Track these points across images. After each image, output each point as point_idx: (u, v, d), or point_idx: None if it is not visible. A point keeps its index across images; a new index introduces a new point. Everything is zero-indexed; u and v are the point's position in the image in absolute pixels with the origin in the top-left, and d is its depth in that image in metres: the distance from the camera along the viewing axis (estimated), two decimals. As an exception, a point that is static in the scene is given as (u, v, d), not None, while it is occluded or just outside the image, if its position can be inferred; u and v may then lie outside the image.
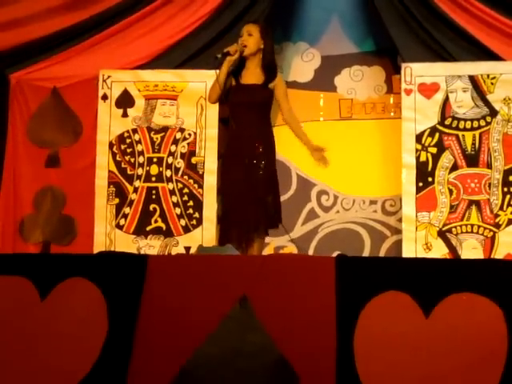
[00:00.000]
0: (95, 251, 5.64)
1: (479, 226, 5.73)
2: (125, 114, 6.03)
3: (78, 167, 6.10)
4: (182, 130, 6.01)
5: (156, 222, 5.97)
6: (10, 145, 6.13)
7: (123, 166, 6.02)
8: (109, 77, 6.04)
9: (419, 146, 5.83)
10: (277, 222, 5.08)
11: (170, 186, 5.98)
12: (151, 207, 5.98)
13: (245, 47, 5.02)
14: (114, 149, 6.02)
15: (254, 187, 4.93)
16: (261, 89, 5.05)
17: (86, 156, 6.08)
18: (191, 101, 6.02)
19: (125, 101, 6.05)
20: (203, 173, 5.98)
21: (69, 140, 6.13)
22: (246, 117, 5.02)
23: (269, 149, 5.08)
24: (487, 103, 5.81)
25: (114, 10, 6.15)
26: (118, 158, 6.02)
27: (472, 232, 5.73)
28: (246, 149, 4.98)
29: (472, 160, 5.80)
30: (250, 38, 5.04)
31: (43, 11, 6.15)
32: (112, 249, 5.85)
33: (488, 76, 5.81)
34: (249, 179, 4.94)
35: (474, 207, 5.75)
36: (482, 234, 5.72)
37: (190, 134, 6.03)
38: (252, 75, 5.07)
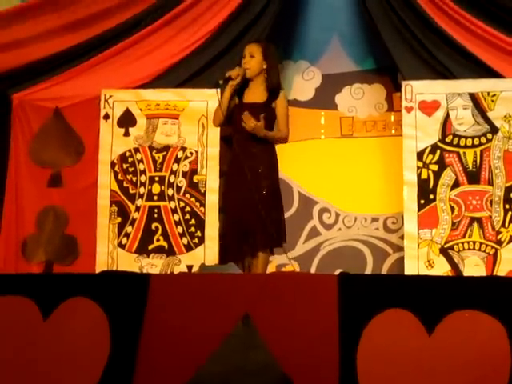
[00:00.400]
0: (97, 270, 5.64)
1: (481, 243, 5.73)
2: (126, 134, 6.04)
3: (80, 187, 6.10)
4: (183, 149, 6.03)
5: (158, 240, 5.97)
6: (12, 165, 6.14)
7: (125, 185, 6.02)
8: (110, 96, 6.06)
9: (420, 164, 5.83)
10: (281, 240, 5.07)
11: (172, 204, 5.99)
12: (153, 226, 5.98)
13: (247, 69, 5.02)
14: (116, 168, 6.04)
15: (256, 206, 4.91)
16: (263, 107, 5.04)
17: (88, 175, 6.09)
18: (193, 119, 6.04)
19: (126, 120, 6.07)
20: (205, 191, 5.99)
21: (71, 160, 6.14)
22: (249, 135, 5.01)
23: (271, 167, 5.07)
24: (488, 120, 5.83)
25: (115, 31, 6.17)
26: (119, 177, 6.03)
27: (474, 249, 5.73)
28: (248, 168, 4.97)
29: (473, 177, 5.80)
30: (252, 60, 5.04)
31: (45, 32, 6.18)
32: (114, 268, 5.84)
33: (488, 93, 5.82)
34: (251, 198, 4.92)
35: (475, 224, 5.75)
36: (484, 251, 5.71)
37: (191, 153, 6.04)
38: (255, 94, 5.07)
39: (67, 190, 6.12)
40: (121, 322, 3.81)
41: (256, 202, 4.90)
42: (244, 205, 4.94)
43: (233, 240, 4.99)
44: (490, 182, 5.77)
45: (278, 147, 5.74)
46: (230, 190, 5.12)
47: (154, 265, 5.92)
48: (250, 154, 4.99)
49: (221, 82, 4.97)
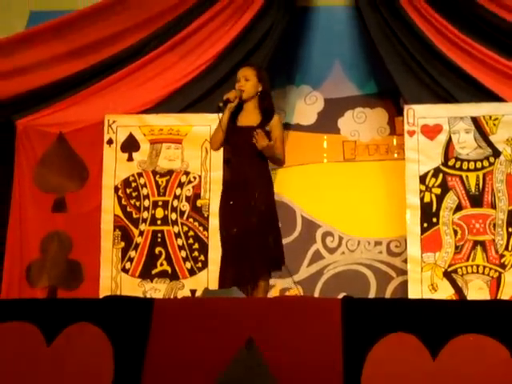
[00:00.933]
0: (101, 295, 5.63)
1: (485, 267, 5.72)
2: (130, 158, 6.07)
3: (84, 211, 6.11)
4: (186, 173, 6.05)
5: (162, 265, 5.97)
6: (16, 190, 6.16)
7: (129, 209, 6.04)
8: (114, 121, 6.09)
9: (423, 187, 5.84)
10: (279, 264, 5.06)
11: (176, 229, 5.99)
12: (157, 250, 5.98)
13: (243, 92, 5.00)
14: (120, 193, 6.05)
15: (253, 230, 4.87)
16: (255, 130, 4.96)
17: (91, 200, 6.10)
18: (196, 144, 6.07)
19: (130, 145, 6.09)
20: (208, 215, 6.00)
21: (75, 185, 6.16)
22: (243, 158, 4.97)
23: (267, 190, 5.01)
24: (490, 144, 5.84)
25: (118, 57, 6.22)
26: (123, 202, 6.04)
27: (478, 272, 5.72)
28: (243, 191, 4.94)
29: (476, 200, 5.81)
30: (248, 83, 5.02)
31: (48, 58, 6.23)
32: (118, 293, 5.84)
33: (490, 117, 5.85)
34: (248, 223, 4.89)
35: (479, 247, 5.75)
36: (488, 275, 5.71)
37: (194, 177, 6.06)
38: (249, 117, 5.04)
39: (71, 215, 6.13)
40: (124, 347, 3.81)
41: (253, 227, 4.88)
42: (241, 229, 4.91)
43: (232, 266, 4.94)
44: (493, 206, 5.77)
45: (282, 171, 5.78)
46: (226, 215, 5.07)
47: (157, 289, 5.91)
48: (246, 177, 4.96)
49: (221, 104, 4.95)
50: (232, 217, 4.96)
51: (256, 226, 4.87)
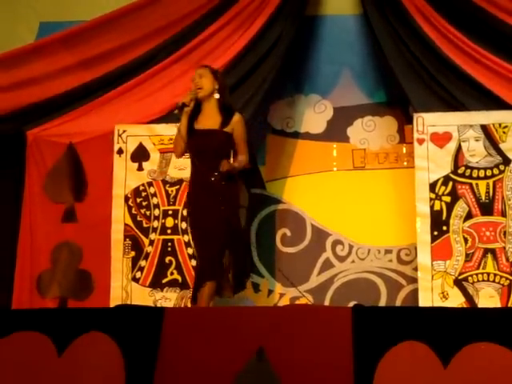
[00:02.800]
0: (112, 305, 5.64)
1: (495, 275, 5.71)
2: (140, 168, 6.08)
3: (94, 221, 6.12)
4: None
5: (172, 274, 5.97)
6: (26, 200, 6.18)
7: (139, 219, 6.05)
8: (124, 131, 6.11)
9: (433, 195, 5.84)
10: (244, 279, 5.02)
11: (186, 238, 6.00)
12: (167, 259, 5.99)
13: (200, 89, 4.87)
14: (130, 202, 6.06)
15: (216, 235, 4.79)
16: (217, 133, 4.89)
17: (101, 210, 6.11)
18: None
19: (140, 155, 6.11)
20: (218, 224, 6.00)
21: (84, 195, 6.17)
22: (206, 163, 4.86)
23: (231, 194, 4.92)
24: (500, 152, 5.83)
25: (128, 67, 6.24)
26: (133, 211, 6.05)
27: (488, 280, 5.70)
28: (207, 196, 4.83)
29: (486, 208, 5.80)
30: (204, 79, 4.90)
31: (58, 69, 6.25)
32: (128, 302, 5.84)
33: (500, 125, 5.84)
34: (211, 227, 4.80)
35: (489, 255, 5.73)
36: (499, 283, 5.69)
37: (204, 186, 6.06)
38: (208, 119, 4.92)
39: (81, 225, 6.15)
40: (135, 356, 3.81)
41: (216, 232, 4.78)
42: (205, 233, 4.82)
43: (203, 277, 4.87)
44: (504, 214, 5.76)
45: (291, 180, 5.78)
46: (192, 218, 4.98)
47: (167, 298, 5.91)
48: (210, 182, 4.84)
49: (176, 111, 4.82)
50: (196, 220, 4.88)
51: (219, 232, 4.78)
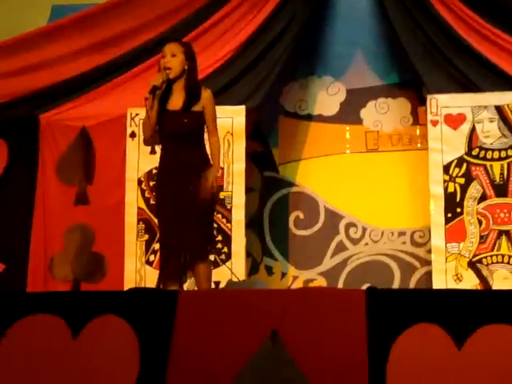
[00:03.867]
0: (126, 288, 5.66)
1: (510, 256, 5.69)
2: (153, 151, 6.07)
3: (107, 204, 6.14)
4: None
5: (185, 257, 5.98)
6: (40, 184, 6.21)
7: (152, 202, 6.05)
8: (137, 115, 6.10)
9: (447, 177, 5.82)
10: (211, 249, 4.92)
11: (200, 220, 5.99)
12: (180, 243, 5.99)
13: (169, 69, 4.73)
14: (143, 185, 6.07)
15: (189, 217, 4.67)
16: (185, 114, 4.74)
17: (114, 193, 6.13)
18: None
19: (152, 139, 6.09)
20: (231, 207, 6.00)
21: (93, 178, 6.19)
22: (176, 144, 4.74)
23: (202, 175, 4.74)
24: (514, 133, 5.81)
25: (140, 50, 6.24)
26: (146, 195, 6.06)
27: (503, 262, 5.69)
28: (178, 178, 4.72)
29: (500, 190, 5.77)
30: (174, 59, 4.74)
31: (71, 52, 6.26)
32: (142, 285, 5.86)
33: (515, 106, 5.81)
34: (183, 207, 4.68)
35: (503, 237, 5.72)
36: (513, 264, 5.69)
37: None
38: (178, 100, 4.77)
39: (94, 208, 6.17)
40: (150, 338, 3.82)
41: (189, 214, 4.67)
42: (176, 215, 4.70)
43: (168, 252, 4.75)
44: (518, 195, 5.74)
45: (304, 162, 5.76)
46: (162, 201, 4.83)
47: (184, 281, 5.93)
48: (180, 164, 4.73)
49: (148, 95, 4.64)
50: (168, 205, 4.76)
51: (192, 214, 4.68)
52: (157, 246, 5.99)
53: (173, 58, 4.75)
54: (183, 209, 4.69)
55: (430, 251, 5.91)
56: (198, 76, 4.92)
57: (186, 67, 4.75)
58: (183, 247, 4.69)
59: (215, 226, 5.96)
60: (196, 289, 4.89)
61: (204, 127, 4.81)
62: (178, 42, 4.89)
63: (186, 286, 5.24)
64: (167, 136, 4.78)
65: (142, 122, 4.95)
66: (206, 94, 4.80)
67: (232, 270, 5.81)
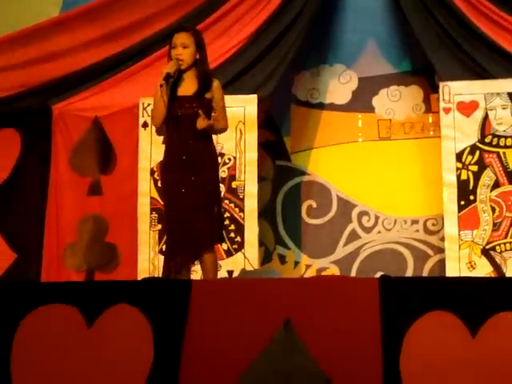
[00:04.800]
0: (139, 277, 5.68)
1: (523, 244, 5.69)
2: (165, 141, 6.07)
3: (120, 194, 6.16)
4: (221, 155, 6.04)
5: (198, 246, 5.98)
6: (53, 174, 6.23)
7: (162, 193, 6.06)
8: (149, 105, 6.10)
9: (460, 165, 5.80)
10: (222, 238, 4.89)
11: (212, 209, 6.00)
12: (193, 232, 6.00)
13: (181, 61, 4.72)
14: (156, 175, 6.08)
15: (197, 206, 4.66)
16: (195, 100, 4.73)
17: (127, 183, 6.14)
18: (230, 125, 5.94)
19: (165, 128, 6.10)
20: (244, 197, 6.01)
21: (110, 168, 6.20)
22: (184, 130, 4.73)
23: (211, 164, 4.79)
24: (528, 120, 5.79)
25: (152, 40, 6.23)
26: (159, 185, 6.07)
27: (516, 249, 5.69)
28: (185, 166, 4.70)
29: (514, 177, 5.77)
30: (185, 51, 4.74)
31: (83, 43, 6.27)
32: (156, 275, 5.88)
33: (528, 93, 5.79)
34: (191, 197, 4.68)
35: (517, 225, 5.71)
36: (527, 252, 5.67)
37: (229, 159, 6.06)
38: (188, 86, 4.77)
39: (107, 198, 6.19)
40: (163, 327, 3.83)
41: (197, 203, 4.66)
42: (185, 206, 4.68)
43: (176, 245, 4.73)
44: (531, 182, 5.72)
45: (316, 151, 5.75)
46: (169, 189, 4.82)
47: (194, 271, 5.92)
48: (187, 151, 4.72)
49: (162, 82, 4.64)
50: (176, 193, 4.74)
51: (200, 202, 4.68)
52: (170, 235, 6.00)
53: (184, 50, 4.75)
54: (190, 197, 4.68)
55: (443, 239, 5.91)
56: (209, 64, 4.93)
57: (197, 57, 4.76)
58: (190, 237, 4.68)
59: (228, 215, 5.98)
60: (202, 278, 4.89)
61: (208, 114, 4.77)
62: (189, 32, 4.87)
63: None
64: (175, 120, 4.76)
65: (152, 109, 4.93)
66: (215, 83, 4.81)
67: (247, 257, 5.82)
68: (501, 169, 5.79)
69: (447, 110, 5.87)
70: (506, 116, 5.81)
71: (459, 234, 5.73)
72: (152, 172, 6.08)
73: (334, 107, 6.44)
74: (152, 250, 6.01)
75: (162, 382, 3.75)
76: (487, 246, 5.71)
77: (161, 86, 4.66)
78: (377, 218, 6.33)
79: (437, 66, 5.94)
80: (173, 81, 4.71)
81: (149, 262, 6.00)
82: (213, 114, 4.73)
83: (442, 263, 5.93)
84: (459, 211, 5.76)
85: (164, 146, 5.87)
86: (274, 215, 6.46)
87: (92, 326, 3.88)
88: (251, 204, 5.97)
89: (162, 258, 5.98)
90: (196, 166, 4.70)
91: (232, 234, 5.96)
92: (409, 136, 6.36)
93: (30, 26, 6.33)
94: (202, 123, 4.65)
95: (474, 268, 5.69)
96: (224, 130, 4.93)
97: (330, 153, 6.42)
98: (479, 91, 5.84)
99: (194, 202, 4.68)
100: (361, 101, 6.40)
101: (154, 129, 6.01)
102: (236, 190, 6.02)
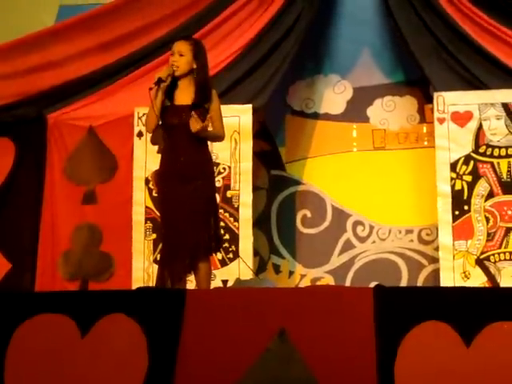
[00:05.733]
0: (134, 287, 5.67)
1: (517, 254, 5.70)
2: (160, 151, 6.08)
3: (115, 203, 6.15)
4: (216, 165, 6.03)
5: (193, 256, 5.98)
6: (48, 183, 6.22)
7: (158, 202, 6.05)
8: (144, 114, 6.07)
9: (454, 175, 5.82)
10: (217, 247, 4.84)
11: (206, 219, 6.00)
12: (188, 241, 5.99)
13: (176, 68, 4.70)
14: (150, 185, 6.08)
15: (193, 216, 4.65)
16: (191, 109, 4.70)
17: (122, 192, 6.14)
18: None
19: (159, 137, 6.11)
20: (238, 206, 6.01)
21: (105, 177, 6.20)
22: (180, 139, 4.71)
23: (206, 173, 4.78)
24: (521, 130, 5.81)
25: (147, 50, 6.24)
26: (154, 194, 6.07)
27: (510, 259, 5.69)
28: (182, 175, 4.69)
29: (508, 187, 5.77)
30: (181, 59, 4.73)
31: (78, 52, 6.27)
32: (150, 284, 5.87)
33: (521, 103, 5.80)
34: (188, 208, 4.66)
35: (511, 234, 5.71)
36: (521, 262, 5.68)
37: (224, 168, 6.07)
38: (184, 95, 4.75)
39: (102, 207, 6.18)
40: (158, 337, 3.83)
41: (193, 213, 4.65)
42: (181, 216, 4.67)
43: (172, 254, 4.72)
44: (525, 192, 5.73)
45: (311, 160, 5.75)
46: (165, 198, 4.81)
47: (189, 280, 5.92)
48: (183, 160, 4.70)
49: (152, 85, 4.65)
50: (171, 202, 4.73)
51: (196, 212, 4.66)
52: (164, 244, 6.00)
53: (180, 58, 4.74)
54: (185, 206, 4.67)
55: (437, 249, 5.91)
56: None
57: (194, 66, 4.74)
58: (186, 247, 4.67)
59: (222, 224, 5.97)
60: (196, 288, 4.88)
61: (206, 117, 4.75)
62: (188, 40, 4.86)
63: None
64: (171, 130, 4.75)
65: (147, 114, 4.91)
66: (212, 92, 4.79)
67: (244, 260, 5.81)
68: (495, 179, 5.80)
69: (441, 121, 5.88)
70: (500, 126, 5.82)
71: (453, 244, 5.74)
72: (147, 181, 6.08)
73: (328, 117, 6.45)
74: (146, 259, 6.00)
75: (157, 390, 3.75)
76: (481, 256, 5.72)
77: (150, 89, 4.65)
78: (371, 227, 6.34)
79: (431, 76, 5.96)
80: (165, 86, 4.68)
81: (143, 271, 5.99)
82: (208, 116, 4.70)
83: (436, 273, 5.94)
84: (453, 221, 5.77)
85: (159, 155, 5.90)
86: (269, 225, 6.46)
87: (86, 336, 3.88)
88: (246, 213, 5.98)
89: (156, 267, 5.98)
90: (192, 176, 4.70)
91: (227, 244, 5.96)
92: (403, 146, 6.37)
93: (25, 36, 6.33)
94: (195, 125, 4.63)
95: (468, 278, 5.70)
96: (221, 137, 4.91)
97: (324, 162, 6.42)
98: (473, 101, 5.86)
99: (189, 212, 4.67)
100: (355, 111, 6.41)
101: (149, 138, 6.09)
102: (231, 200, 6.02)
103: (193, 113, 4.66)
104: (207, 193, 4.74)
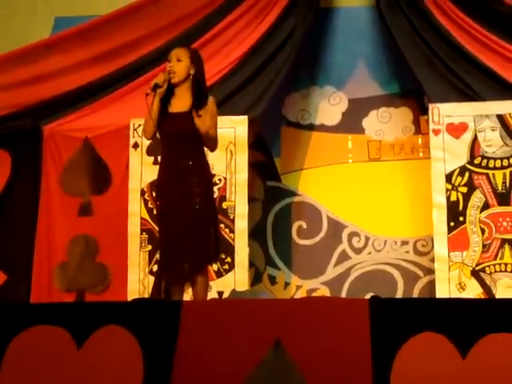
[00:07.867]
0: (129, 298, 5.66)
1: (513, 265, 5.70)
2: (156, 162, 6.08)
3: (110, 215, 6.15)
4: (212, 176, 6.05)
5: (188, 267, 5.97)
6: (43, 195, 6.22)
7: (155, 212, 6.05)
8: (139, 125, 6.09)
9: (449, 186, 5.83)
10: (216, 256, 4.83)
11: (202, 231, 6.00)
12: (183, 253, 5.99)
13: (173, 73, 4.68)
14: (146, 196, 6.08)
15: (190, 225, 4.61)
16: (189, 116, 4.65)
17: (117, 204, 6.14)
18: (220, 146, 5.97)
19: (155, 148, 6.11)
20: (234, 217, 6.01)
21: (101, 189, 6.20)
22: (177, 147, 4.67)
23: (204, 181, 4.73)
24: (516, 142, 5.82)
25: (143, 61, 6.26)
26: (149, 205, 6.07)
27: (506, 271, 5.69)
28: (179, 184, 4.65)
29: (503, 198, 5.78)
30: (179, 64, 4.70)
31: (73, 64, 6.28)
32: (146, 295, 5.86)
33: (516, 115, 5.82)
34: (185, 217, 4.62)
35: (507, 246, 5.72)
36: (516, 273, 5.69)
37: (220, 180, 6.07)
38: (181, 102, 4.71)
39: (97, 219, 6.18)
40: (153, 349, 3.83)
41: (191, 222, 4.61)
42: (178, 226, 4.63)
43: (170, 265, 4.68)
44: (520, 203, 5.74)
45: (306, 172, 5.76)
46: (162, 208, 4.76)
47: (185, 291, 5.93)
48: (180, 168, 4.67)
49: (148, 91, 4.63)
50: (169, 212, 4.69)
51: (194, 222, 4.62)
52: (160, 256, 5.99)
53: (178, 63, 4.71)
54: (183, 216, 4.64)
55: (433, 260, 5.92)
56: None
57: (191, 72, 4.71)
58: (186, 256, 4.64)
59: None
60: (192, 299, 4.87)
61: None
62: (185, 48, 4.88)
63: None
64: (169, 137, 4.72)
65: (144, 121, 4.85)
66: (210, 99, 4.75)
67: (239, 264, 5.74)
68: (490, 190, 5.82)
69: (437, 132, 5.90)
70: (495, 138, 5.84)
71: (449, 256, 5.75)
72: (142, 192, 6.09)
73: (324, 128, 6.46)
74: (142, 270, 6.00)
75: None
76: (477, 268, 5.73)
77: (147, 94, 4.64)
78: (367, 238, 6.34)
79: (426, 87, 5.98)
80: (162, 92, 4.65)
81: (139, 282, 5.98)
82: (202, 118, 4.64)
83: (431, 284, 5.94)
84: (449, 232, 5.78)
85: (154, 166, 5.90)
86: (265, 236, 6.46)
87: (81, 348, 3.87)
88: (241, 225, 5.98)
89: (152, 278, 5.98)
90: (190, 183, 4.67)
91: (222, 255, 5.95)
92: (398, 157, 6.39)
93: (20, 48, 6.34)
94: (203, 124, 4.58)
95: (463, 289, 5.70)
96: (214, 145, 4.83)
97: (320, 174, 6.43)
98: (468, 113, 5.88)
99: (187, 222, 4.64)
100: (351, 122, 6.43)
101: (144, 149, 6.10)
102: (226, 211, 6.02)
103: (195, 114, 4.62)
104: (206, 201, 4.71)
